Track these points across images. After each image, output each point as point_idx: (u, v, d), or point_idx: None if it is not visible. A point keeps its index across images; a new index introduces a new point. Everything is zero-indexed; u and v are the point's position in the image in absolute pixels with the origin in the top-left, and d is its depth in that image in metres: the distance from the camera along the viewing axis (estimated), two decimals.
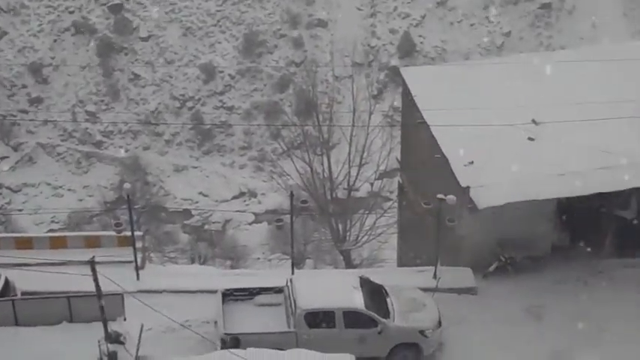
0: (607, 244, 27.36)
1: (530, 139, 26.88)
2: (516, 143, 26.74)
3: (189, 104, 71.08)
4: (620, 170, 25.51)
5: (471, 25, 73.54)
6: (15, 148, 68.94)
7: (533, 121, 27.14)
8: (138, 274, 26.14)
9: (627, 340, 23.96)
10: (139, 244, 26.54)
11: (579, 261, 27.21)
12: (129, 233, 25.87)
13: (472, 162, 26.03)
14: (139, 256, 26.52)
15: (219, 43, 73.00)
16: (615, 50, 31.84)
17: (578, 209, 26.99)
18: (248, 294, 24.40)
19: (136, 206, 40.60)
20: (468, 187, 25.43)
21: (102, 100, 70.84)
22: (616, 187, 25.49)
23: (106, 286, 21.50)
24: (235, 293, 24.41)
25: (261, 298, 24.27)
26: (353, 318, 22.87)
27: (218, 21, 73.65)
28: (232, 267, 48.01)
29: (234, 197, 67.24)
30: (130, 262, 26.02)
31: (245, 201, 66.87)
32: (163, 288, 25.85)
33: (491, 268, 26.44)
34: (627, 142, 26.08)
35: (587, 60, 29.86)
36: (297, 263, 29.59)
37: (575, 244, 27.59)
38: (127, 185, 26.87)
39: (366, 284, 24.03)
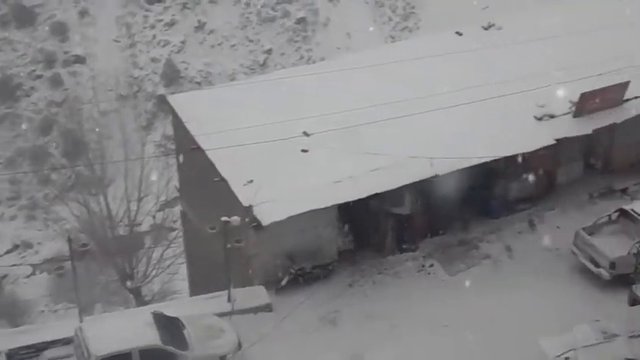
0: (388, 242, 28.54)
1: (303, 150, 27.45)
2: (291, 157, 27.21)
3: None
4: (390, 170, 26.72)
5: (232, 45, 74.29)
6: None
7: (305, 133, 27.75)
8: None
9: (417, 332, 24.98)
10: None
11: (365, 262, 28.18)
12: None
13: (251, 180, 26.15)
14: None
15: None
16: (369, 55, 33.29)
17: (358, 212, 27.91)
18: (35, 351, 23.07)
19: None
20: (251, 206, 25.53)
21: None
22: (389, 186, 26.63)
23: None
24: (21, 352, 23.03)
25: (49, 353, 23.04)
26: (151, 355, 22.16)
27: None
28: (15, 325, 45.03)
29: (8, 251, 63.21)
30: None
31: (20, 253, 63.06)
32: None
33: (284, 282, 26.66)
34: (392, 143, 27.34)
35: (347, 68, 31.03)
36: (85, 310, 28.24)
37: (359, 246, 28.52)
38: None
39: (160, 319, 23.40)
